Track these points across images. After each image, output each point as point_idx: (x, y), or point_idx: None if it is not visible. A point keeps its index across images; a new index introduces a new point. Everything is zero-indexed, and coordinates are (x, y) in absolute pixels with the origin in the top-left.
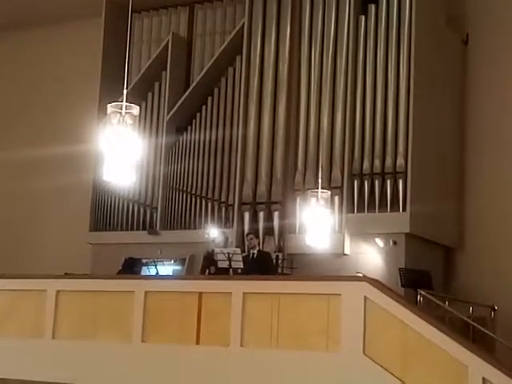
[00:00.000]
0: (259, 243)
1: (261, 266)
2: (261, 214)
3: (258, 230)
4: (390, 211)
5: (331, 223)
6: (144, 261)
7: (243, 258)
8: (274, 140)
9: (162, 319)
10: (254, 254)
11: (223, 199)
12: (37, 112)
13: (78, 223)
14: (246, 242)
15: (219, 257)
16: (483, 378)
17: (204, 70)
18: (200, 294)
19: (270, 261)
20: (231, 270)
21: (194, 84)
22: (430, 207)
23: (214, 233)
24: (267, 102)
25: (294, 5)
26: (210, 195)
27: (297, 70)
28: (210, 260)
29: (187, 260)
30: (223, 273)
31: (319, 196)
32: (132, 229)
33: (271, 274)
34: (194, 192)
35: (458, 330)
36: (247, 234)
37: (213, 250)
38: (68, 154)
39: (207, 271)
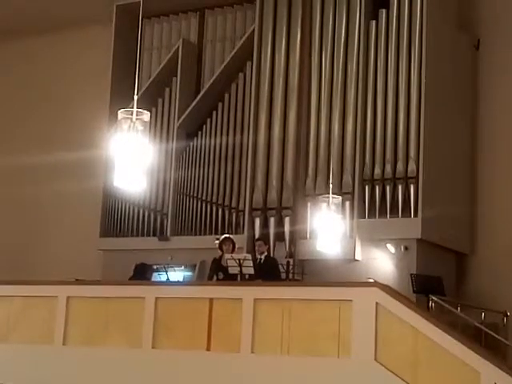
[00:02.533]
0: (268, 249)
1: (266, 271)
2: (271, 220)
3: (268, 236)
4: (402, 217)
5: (342, 229)
6: (155, 267)
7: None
8: (284, 145)
9: (173, 325)
10: (260, 259)
11: (234, 205)
12: (47, 117)
13: (89, 229)
14: (256, 248)
15: (230, 263)
16: None
17: (214, 76)
18: (211, 300)
19: (275, 267)
20: (239, 275)
21: (204, 90)
22: (442, 212)
23: None
24: (278, 107)
25: (305, 10)
26: (220, 201)
27: (307, 75)
28: (217, 266)
29: (198, 266)
30: (231, 279)
31: (330, 201)
32: (142, 235)
33: (276, 280)
34: (204, 198)
35: (470, 336)
36: (256, 240)
37: (220, 256)
38: (78, 160)
39: (215, 277)
